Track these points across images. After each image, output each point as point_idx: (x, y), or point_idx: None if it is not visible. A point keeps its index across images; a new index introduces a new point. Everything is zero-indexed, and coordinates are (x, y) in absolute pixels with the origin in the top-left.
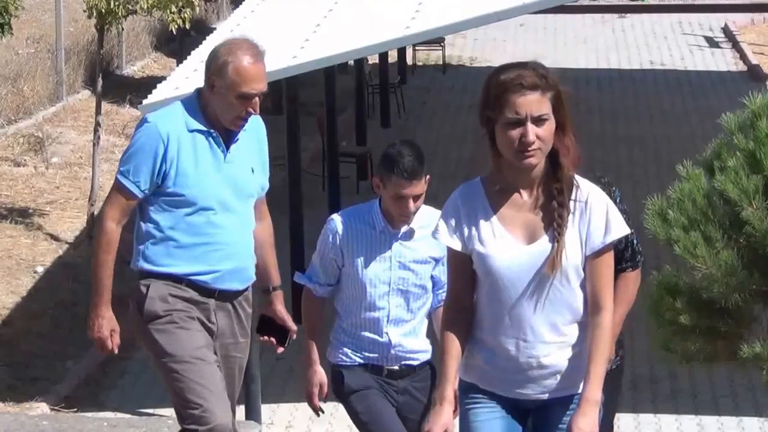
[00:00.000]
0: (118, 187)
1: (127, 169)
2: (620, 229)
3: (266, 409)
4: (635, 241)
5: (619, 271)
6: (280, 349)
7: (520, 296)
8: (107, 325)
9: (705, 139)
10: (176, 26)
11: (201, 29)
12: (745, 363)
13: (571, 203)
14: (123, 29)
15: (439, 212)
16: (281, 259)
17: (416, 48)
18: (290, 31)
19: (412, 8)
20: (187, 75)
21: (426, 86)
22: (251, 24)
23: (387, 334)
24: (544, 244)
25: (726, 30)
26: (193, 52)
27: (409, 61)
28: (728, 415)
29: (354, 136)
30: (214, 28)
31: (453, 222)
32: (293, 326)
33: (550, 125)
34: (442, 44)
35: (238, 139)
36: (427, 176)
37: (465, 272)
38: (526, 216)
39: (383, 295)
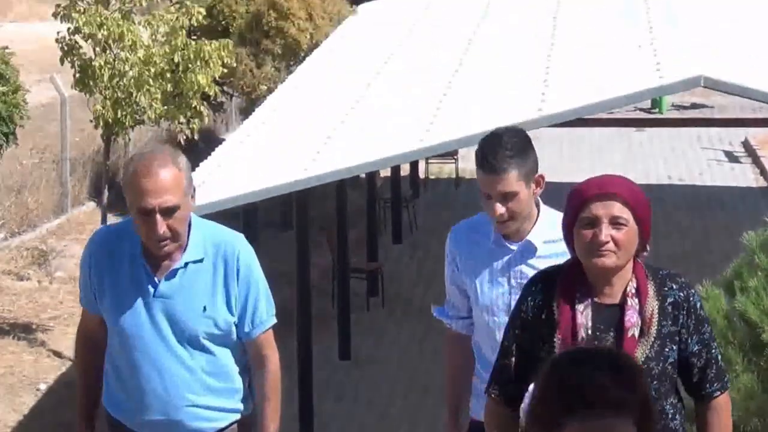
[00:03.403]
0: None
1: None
2: None
3: None
4: (719, 356)
5: (703, 398)
6: None
7: None
8: None
9: (724, 257)
10: (184, 137)
11: (209, 140)
12: None
13: None
14: (130, 139)
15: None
16: (289, 378)
17: (429, 161)
18: (301, 143)
19: (426, 120)
20: (195, 187)
21: (439, 201)
22: (261, 135)
23: None
24: None
25: (746, 144)
26: (201, 164)
27: (421, 174)
28: None
29: (365, 252)
30: (223, 139)
31: None
32: None
33: None
34: (455, 157)
35: (177, 271)
36: (537, 174)
37: None
38: None
39: (503, 327)
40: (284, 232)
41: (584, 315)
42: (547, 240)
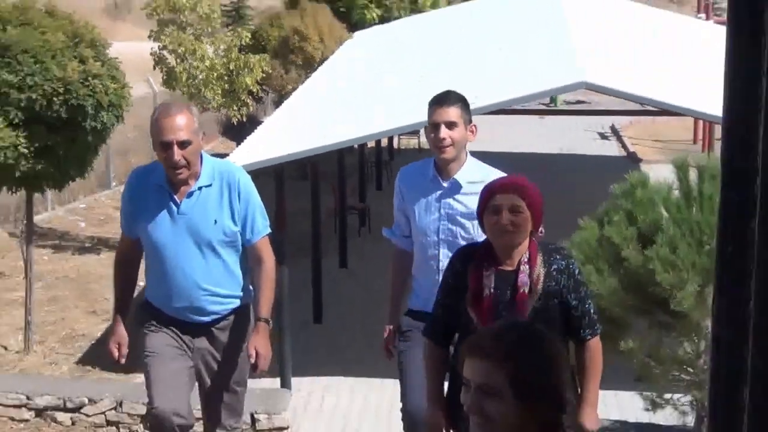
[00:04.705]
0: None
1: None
2: None
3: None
4: (592, 310)
5: (580, 341)
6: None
7: None
8: (114, 339)
9: (597, 202)
10: (237, 118)
11: (253, 121)
12: (623, 354)
13: None
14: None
15: (494, 170)
16: (305, 282)
17: (400, 137)
18: (315, 124)
19: (398, 110)
20: (243, 154)
21: (407, 162)
22: (287, 118)
23: (438, 280)
24: None
25: (613, 128)
26: (247, 137)
27: (395, 145)
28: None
29: (357, 196)
30: (262, 122)
31: None
32: (254, 361)
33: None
34: (418, 134)
35: (192, 193)
36: (471, 123)
37: None
38: None
39: (433, 245)
40: (303, 181)
41: (488, 278)
42: (471, 181)
